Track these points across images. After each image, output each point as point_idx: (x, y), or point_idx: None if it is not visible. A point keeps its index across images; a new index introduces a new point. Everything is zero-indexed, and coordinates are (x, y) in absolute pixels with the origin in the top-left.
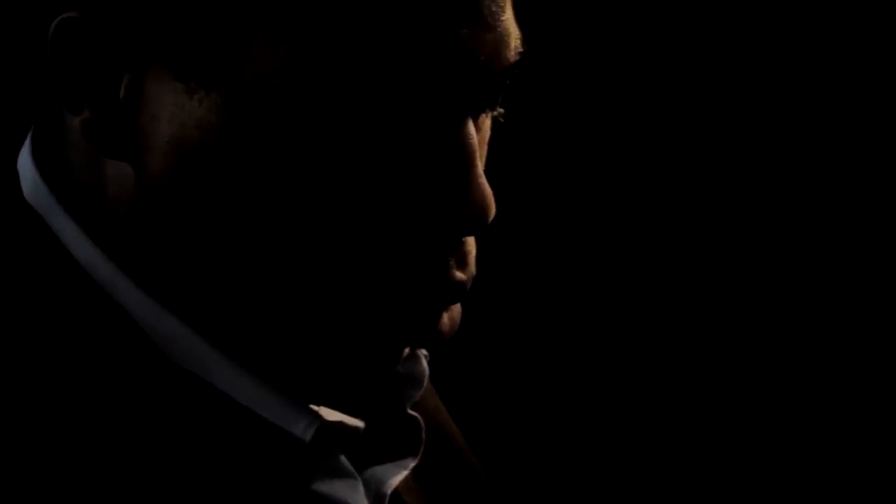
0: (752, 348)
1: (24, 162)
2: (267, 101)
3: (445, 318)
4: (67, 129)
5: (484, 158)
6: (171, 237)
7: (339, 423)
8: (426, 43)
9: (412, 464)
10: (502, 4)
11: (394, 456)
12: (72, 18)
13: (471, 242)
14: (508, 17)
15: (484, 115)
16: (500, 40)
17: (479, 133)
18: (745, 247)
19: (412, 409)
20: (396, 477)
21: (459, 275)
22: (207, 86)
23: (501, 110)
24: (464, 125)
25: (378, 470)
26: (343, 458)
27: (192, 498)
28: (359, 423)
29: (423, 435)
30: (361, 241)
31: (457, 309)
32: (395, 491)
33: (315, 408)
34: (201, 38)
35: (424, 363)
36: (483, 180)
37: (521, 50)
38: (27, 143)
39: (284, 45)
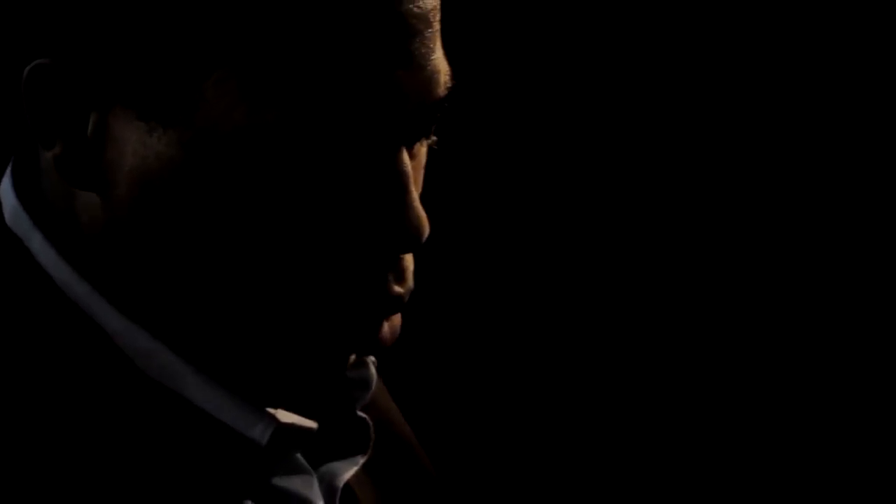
0: (716, 344)
1: (6, 190)
2: (218, 139)
3: (386, 327)
4: (42, 162)
5: (420, 182)
6: (137, 258)
7: (294, 425)
8: (364, 84)
9: (362, 460)
10: (432, 46)
11: (345, 453)
12: (44, 64)
13: (408, 259)
14: (438, 57)
15: (419, 144)
16: (431, 78)
17: (414, 160)
18: (712, 243)
19: (362, 410)
20: (348, 472)
21: (398, 289)
22: (165, 124)
23: (434, 138)
24: (399, 155)
25: (331, 466)
26: (299, 456)
27: (161, 498)
28: (312, 424)
29: (372, 433)
30: (309, 261)
31: (397, 319)
32: (347, 484)
33: (272, 411)
34: (160, 81)
35: (372, 369)
36: (417, 203)
37: (449, 85)
38: (8, 173)
39: (234, 89)
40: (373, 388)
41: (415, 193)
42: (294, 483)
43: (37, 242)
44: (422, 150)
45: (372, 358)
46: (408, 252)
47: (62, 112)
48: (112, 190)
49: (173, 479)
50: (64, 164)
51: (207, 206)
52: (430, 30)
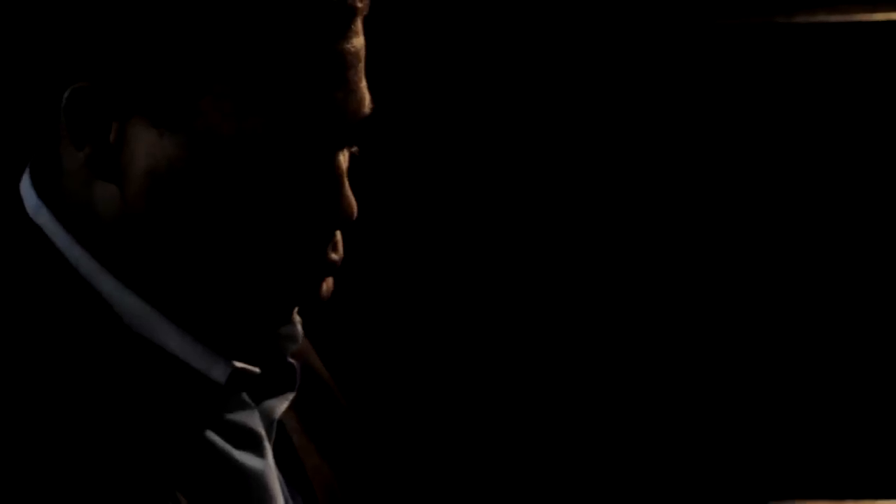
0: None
1: (26, 188)
2: (211, 144)
3: (324, 286)
4: (65, 163)
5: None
6: (143, 237)
7: (245, 369)
8: (314, 104)
9: (291, 396)
10: (361, 76)
11: (278, 392)
12: (81, 86)
13: (339, 234)
14: (364, 84)
15: (347, 150)
16: (361, 100)
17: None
18: (693, 240)
19: (291, 358)
20: (281, 407)
21: (334, 256)
22: (172, 129)
23: (356, 147)
24: (337, 157)
25: (268, 403)
26: (244, 395)
27: (139, 424)
28: (256, 369)
29: (298, 376)
30: (272, 235)
31: (331, 280)
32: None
33: (229, 359)
34: (168, 96)
35: (299, 327)
36: (350, 193)
37: (371, 106)
38: (26, 174)
39: (227, 105)
40: (299, 341)
41: (347, 185)
42: (242, 416)
43: (54, 230)
44: (347, 155)
45: (298, 318)
46: (343, 228)
47: (92, 122)
48: (128, 182)
49: (150, 410)
50: (93, 161)
51: (199, 196)
52: (360, 63)
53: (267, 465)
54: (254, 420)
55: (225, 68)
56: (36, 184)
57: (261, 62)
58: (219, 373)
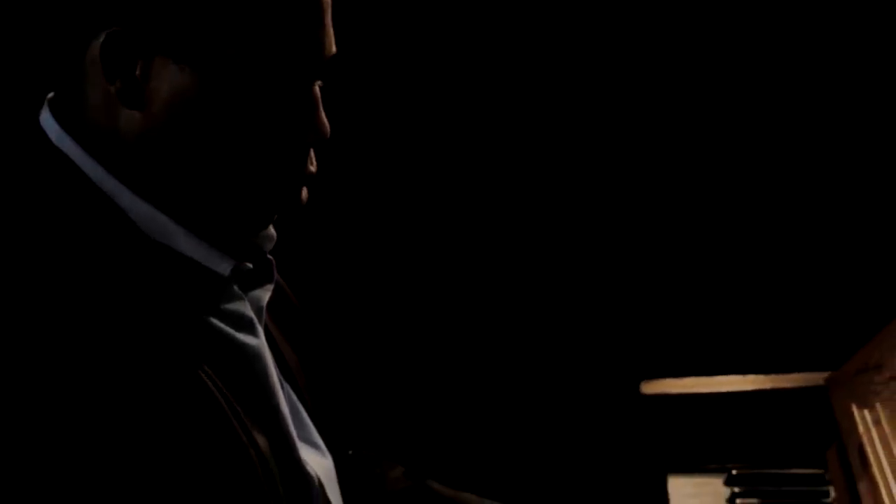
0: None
1: (47, 121)
2: (222, 76)
3: (304, 192)
4: (90, 97)
5: None
6: (161, 154)
7: (241, 265)
8: (301, 44)
9: (271, 287)
10: (330, 17)
11: (262, 283)
12: (115, 31)
13: (313, 152)
14: (331, 23)
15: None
16: (332, 39)
17: None
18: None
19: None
20: (265, 296)
21: (311, 168)
22: (191, 66)
23: (321, 82)
24: (314, 86)
25: (255, 292)
26: (236, 287)
27: (165, 309)
28: (249, 264)
29: (275, 269)
30: (263, 149)
31: (306, 190)
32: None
33: (229, 257)
34: (188, 40)
35: (273, 230)
36: (323, 115)
37: (335, 48)
38: (45, 111)
39: (235, 45)
40: (275, 241)
41: (322, 110)
42: (237, 305)
43: (78, 153)
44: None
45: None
46: (319, 145)
47: (123, 60)
48: (151, 108)
49: (169, 299)
50: (123, 93)
51: (210, 116)
52: (330, 8)
53: (262, 344)
54: (245, 307)
55: (233, 16)
56: (58, 117)
57: (262, 10)
58: (223, 268)
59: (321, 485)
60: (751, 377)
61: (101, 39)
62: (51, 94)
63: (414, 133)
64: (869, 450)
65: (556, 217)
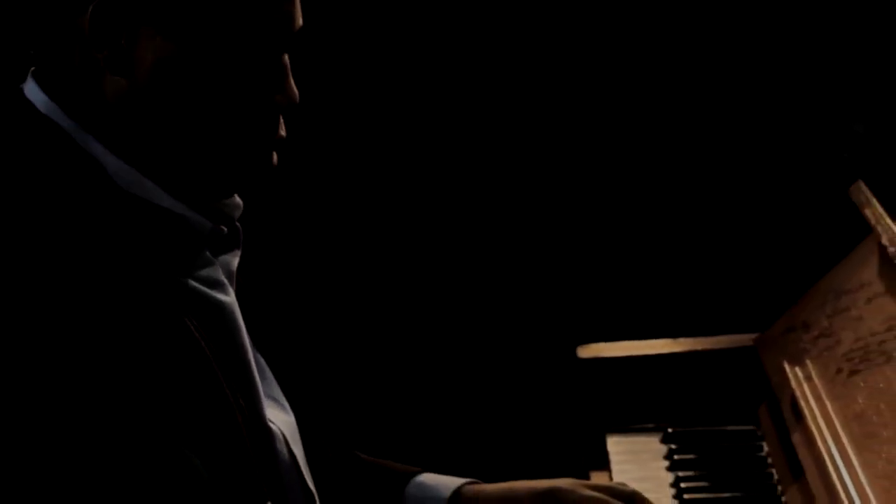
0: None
1: (32, 90)
2: (201, 45)
3: (274, 155)
4: (77, 66)
5: None
6: (144, 118)
7: (217, 227)
8: (272, 16)
9: (239, 253)
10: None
11: (230, 249)
12: (102, 3)
13: (282, 118)
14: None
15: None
16: (299, 11)
17: None
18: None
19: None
20: (234, 261)
21: (282, 133)
22: (172, 37)
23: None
24: (284, 56)
25: (224, 257)
26: (208, 253)
27: (136, 262)
28: (224, 229)
29: (241, 235)
30: (238, 114)
31: (276, 155)
32: None
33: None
34: (168, 13)
35: (238, 199)
36: (293, 83)
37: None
38: (30, 81)
39: (212, 17)
40: (241, 208)
41: (291, 78)
42: (208, 269)
43: (64, 120)
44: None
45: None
46: (289, 111)
47: (110, 29)
48: (136, 76)
49: (150, 254)
50: (110, 61)
51: (190, 81)
52: None
53: (233, 303)
54: (217, 271)
55: None
56: (44, 87)
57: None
58: (204, 226)
59: (285, 440)
60: (682, 340)
61: (89, 11)
62: (33, 68)
63: (366, 122)
64: (803, 404)
65: (496, 188)
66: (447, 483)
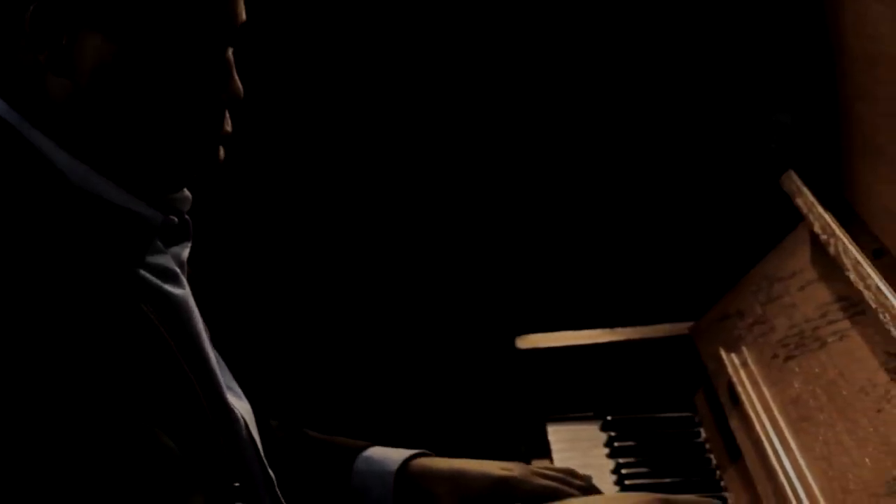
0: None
1: None
2: (140, 46)
3: (221, 151)
4: (22, 66)
5: None
6: (89, 116)
7: (168, 218)
8: (215, 13)
9: (189, 245)
10: None
11: (181, 241)
12: (42, 3)
13: (228, 113)
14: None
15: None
16: (242, 6)
17: None
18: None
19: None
20: (185, 252)
21: (227, 128)
22: (113, 36)
23: (234, 46)
24: (228, 51)
25: (175, 249)
26: (159, 242)
27: (99, 256)
28: (175, 219)
29: (191, 228)
30: (183, 110)
31: (223, 149)
32: None
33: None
34: (108, 12)
35: (188, 192)
36: (237, 79)
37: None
38: None
39: (152, 16)
40: (191, 201)
41: (235, 73)
42: (160, 259)
43: (13, 117)
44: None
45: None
46: (234, 106)
47: (50, 29)
48: (78, 76)
49: (102, 247)
50: (51, 60)
51: (132, 80)
52: None
53: (188, 294)
54: (168, 261)
55: None
56: None
57: None
58: (155, 218)
59: (246, 424)
60: (619, 330)
61: (30, 11)
62: None
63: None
64: (739, 389)
65: (436, 179)
66: (395, 457)
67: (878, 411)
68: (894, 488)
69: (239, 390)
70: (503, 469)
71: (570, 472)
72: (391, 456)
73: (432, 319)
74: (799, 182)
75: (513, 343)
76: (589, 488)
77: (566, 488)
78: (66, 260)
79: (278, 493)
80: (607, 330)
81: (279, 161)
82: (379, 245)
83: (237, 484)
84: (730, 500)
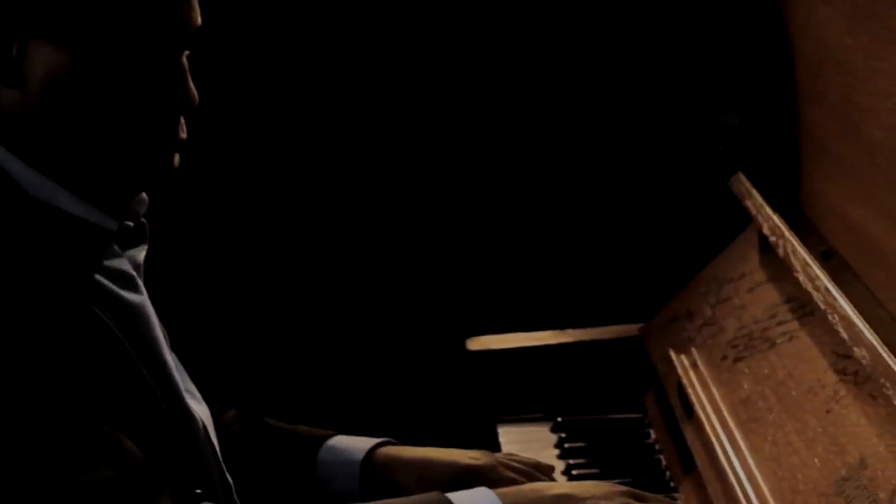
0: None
1: None
2: (92, 55)
3: (176, 157)
4: None
5: None
6: (42, 126)
7: (123, 224)
8: (168, 20)
9: (146, 247)
10: None
11: (137, 244)
12: None
13: (183, 119)
14: (197, 3)
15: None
16: (197, 12)
17: None
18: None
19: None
20: (141, 255)
21: (182, 135)
22: (63, 45)
23: (188, 51)
24: (182, 57)
25: (131, 252)
26: (116, 247)
27: (47, 264)
28: (130, 223)
29: (148, 231)
30: (137, 118)
31: (178, 156)
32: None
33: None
34: (57, 21)
35: (145, 195)
36: (192, 85)
37: (200, 20)
38: None
39: (103, 25)
40: (147, 205)
41: (190, 79)
42: (117, 263)
43: None
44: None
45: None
46: (188, 113)
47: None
48: (29, 87)
49: (58, 256)
50: (1, 73)
51: (84, 89)
52: None
53: (145, 299)
54: (125, 265)
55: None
56: None
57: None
58: (111, 225)
59: (205, 428)
60: (570, 331)
61: None
62: None
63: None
64: (689, 391)
65: (386, 184)
66: (360, 445)
67: (827, 412)
68: (843, 488)
69: (198, 394)
70: (470, 458)
71: (536, 465)
72: (356, 445)
73: (383, 321)
74: (748, 184)
75: (463, 345)
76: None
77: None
78: (21, 270)
79: (235, 498)
80: (558, 331)
81: (233, 161)
82: (332, 246)
83: (199, 491)
84: (680, 501)
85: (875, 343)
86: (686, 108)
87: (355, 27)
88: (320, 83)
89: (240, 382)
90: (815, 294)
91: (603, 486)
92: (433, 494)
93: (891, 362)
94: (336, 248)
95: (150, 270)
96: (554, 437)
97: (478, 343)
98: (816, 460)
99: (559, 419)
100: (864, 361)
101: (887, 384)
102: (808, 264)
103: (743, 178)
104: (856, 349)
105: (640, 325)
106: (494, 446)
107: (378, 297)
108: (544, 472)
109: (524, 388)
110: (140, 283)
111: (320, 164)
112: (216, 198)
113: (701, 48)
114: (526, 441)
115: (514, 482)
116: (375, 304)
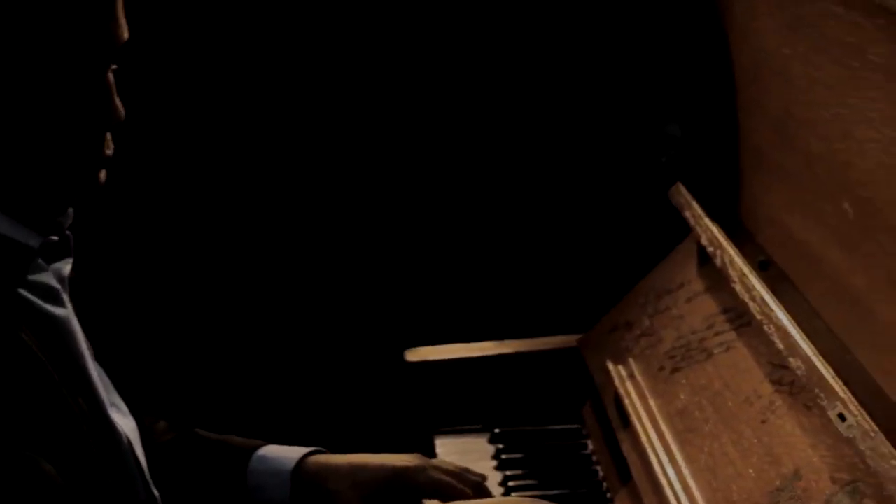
0: None
1: None
2: (15, 71)
3: (102, 174)
4: None
5: None
6: None
7: (47, 239)
8: (94, 35)
9: (71, 260)
10: (122, 8)
11: (62, 257)
12: None
13: (109, 135)
14: (122, 12)
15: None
16: (124, 28)
17: None
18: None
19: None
20: (66, 268)
21: (108, 151)
22: None
23: (115, 66)
24: (109, 73)
25: (56, 265)
26: (41, 261)
27: None
28: (55, 238)
29: (72, 244)
30: (64, 135)
31: (105, 171)
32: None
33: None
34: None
35: (71, 210)
36: (118, 101)
37: (128, 35)
38: None
39: (24, 43)
40: (72, 218)
41: (117, 95)
42: (42, 277)
43: None
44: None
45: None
46: (113, 129)
47: None
48: None
49: None
50: None
51: (7, 108)
52: (122, 1)
53: (70, 313)
54: (50, 279)
55: (23, 12)
56: None
57: (52, 5)
58: (34, 242)
59: (129, 443)
60: (508, 342)
61: None
62: None
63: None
64: (626, 401)
65: (324, 190)
66: (290, 455)
67: (763, 422)
68: (777, 499)
69: (124, 407)
70: (402, 461)
71: (466, 470)
72: (287, 454)
73: (321, 331)
74: (687, 195)
75: (402, 356)
76: (481, 486)
77: (460, 485)
78: None
79: None
80: (496, 342)
81: (156, 166)
82: (269, 255)
83: None
84: None
85: (810, 353)
86: (628, 117)
87: (351, 27)
88: (288, 86)
89: (171, 393)
90: (751, 304)
91: (524, 501)
92: None
93: (825, 373)
94: (273, 258)
95: (78, 282)
96: (492, 449)
97: (416, 354)
98: (751, 471)
99: (497, 430)
100: (799, 372)
101: (822, 395)
102: (745, 275)
103: (682, 188)
104: (791, 360)
105: (579, 336)
106: (431, 458)
107: (316, 307)
108: (475, 476)
109: (463, 400)
110: (65, 296)
111: (257, 167)
112: (145, 203)
113: (641, 58)
114: (463, 452)
115: (440, 483)
116: (313, 313)
